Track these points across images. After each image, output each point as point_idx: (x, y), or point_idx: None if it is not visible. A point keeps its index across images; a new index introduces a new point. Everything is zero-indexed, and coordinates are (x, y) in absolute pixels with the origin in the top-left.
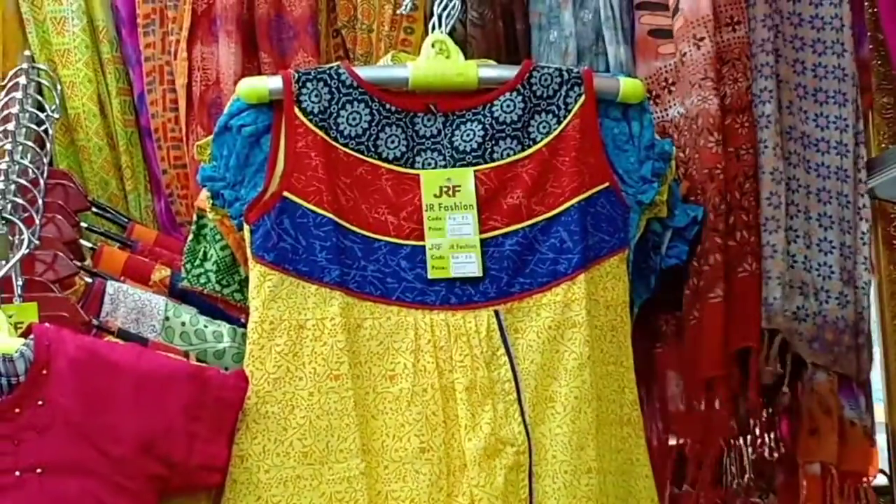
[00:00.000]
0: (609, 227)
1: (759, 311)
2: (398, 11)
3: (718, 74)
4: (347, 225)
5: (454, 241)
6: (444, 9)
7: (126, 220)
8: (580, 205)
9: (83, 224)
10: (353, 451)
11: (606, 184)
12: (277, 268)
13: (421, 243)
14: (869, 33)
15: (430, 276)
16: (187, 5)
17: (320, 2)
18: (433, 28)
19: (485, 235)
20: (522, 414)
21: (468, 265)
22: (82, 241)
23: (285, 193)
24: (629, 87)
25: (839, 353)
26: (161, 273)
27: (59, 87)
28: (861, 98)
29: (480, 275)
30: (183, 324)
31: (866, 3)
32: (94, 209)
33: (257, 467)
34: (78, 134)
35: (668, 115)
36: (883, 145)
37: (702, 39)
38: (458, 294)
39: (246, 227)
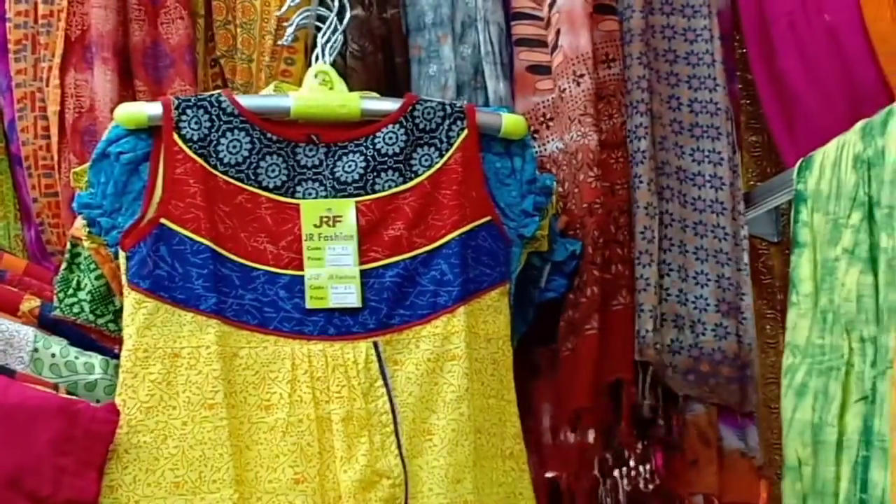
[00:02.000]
0: (490, 261)
1: (633, 344)
2: (279, 42)
3: (597, 110)
4: (225, 253)
5: (333, 271)
6: (328, 41)
7: None
8: (461, 238)
9: None
10: (227, 482)
11: (488, 217)
12: (153, 295)
13: (300, 273)
14: (738, 73)
15: (308, 307)
16: (60, 31)
17: (198, 30)
18: (316, 59)
19: (365, 266)
20: (399, 446)
21: (347, 296)
22: None
23: (162, 220)
24: (511, 122)
25: (717, 385)
26: (30, 304)
27: None
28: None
29: (360, 306)
30: (53, 355)
31: (735, 44)
32: None
33: (127, 498)
34: None
35: (545, 149)
36: (752, 182)
37: (581, 76)
38: (336, 325)
39: (121, 254)
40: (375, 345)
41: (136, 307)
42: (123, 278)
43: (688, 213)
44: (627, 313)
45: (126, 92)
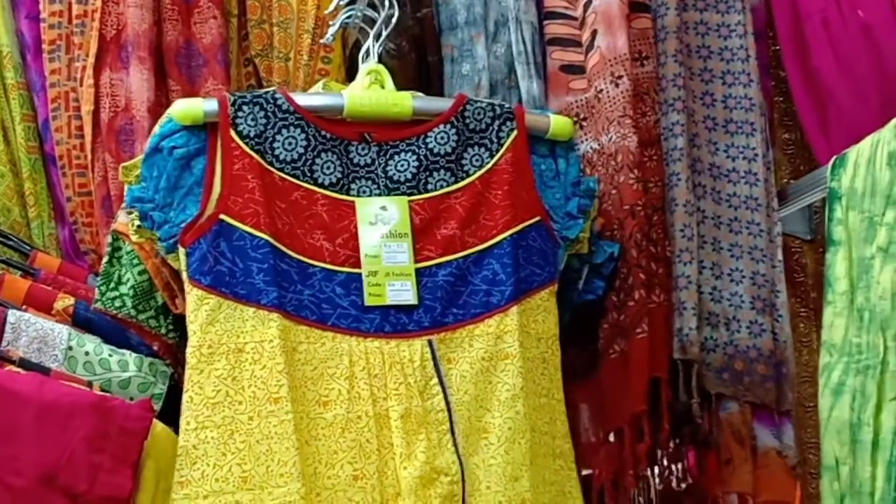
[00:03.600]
0: (540, 261)
1: (669, 343)
2: (320, 41)
3: (636, 111)
4: (284, 249)
5: (390, 268)
6: (376, 39)
7: (29, 247)
8: (513, 238)
9: None
10: (294, 475)
11: (538, 217)
12: (214, 291)
13: (356, 270)
14: (771, 70)
15: (366, 304)
16: (94, 31)
17: (231, 30)
18: (363, 58)
19: (419, 265)
20: (455, 444)
21: (404, 293)
22: None
23: (222, 216)
24: (559, 124)
25: (751, 383)
26: (64, 302)
27: None
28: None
29: (416, 303)
30: (86, 353)
31: (769, 41)
32: None
33: (196, 493)
34: None
35: (579, 150)
36: (785, 180)
37: (620, 77)
38: (392, 322)
39: (181, 251)
40: (430, 343)
41: (198, 303)
42: (184, 275)
43: (722, 209)
44: (662, 312)
45: (160, 91)
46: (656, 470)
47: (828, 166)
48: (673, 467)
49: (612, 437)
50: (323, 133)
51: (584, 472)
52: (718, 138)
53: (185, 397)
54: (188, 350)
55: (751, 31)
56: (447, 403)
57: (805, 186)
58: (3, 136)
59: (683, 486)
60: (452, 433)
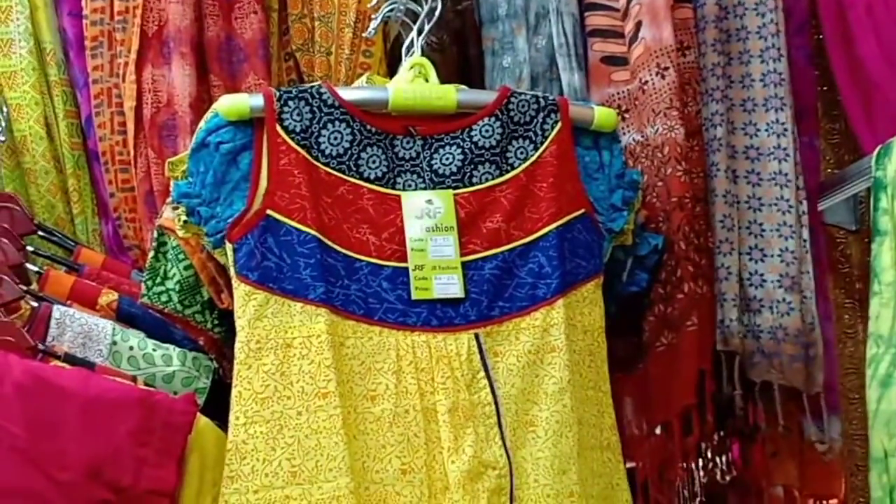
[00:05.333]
0: (586, 253)
1: (713, 334)
2: (362, 35)
3: (680, 102)
4: (330, 243)
5: (436, 262)
6: (419, 32)
7: (73, 243)
8: (558, 230)
9: (29, 248)
10: (343, 470)
11: (583, 210)
12: (262, 286)
13: (403, 264)
14: (815, 60)
15: (413, 297)
16: (136, 28)
17: (272, 24)
18: (406, 51)
19: (465, 258)
20: (503, 437)
21: (451, 286)
22: (28, 265)
23: (269, 211)
24: (603, 116)
25: (781, 364)
26: (108, 297)
27: (5, 109)
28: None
29: (462, 296)
30: (131, 348)
31: (812, 31)
32: (40, 233)
33: (246, 488)
34: (24, 157)
35: (622, 142)
36: (829, 170)
37: (666, 69)
38: (438, 316)
39: (228, 246)
40: (477, 336)
41: (246, 299)
42: (231, 270)
43: (763, 190)
44: (707, 303)
45: (202, 87)
46: (700, 462)
47: (872, 155)
48: (717, 460)
49: (657, 430)
50: (368, 127)
51: (628, 465)
52: (758, 119)
53: (233, 392)
54: (236, 345)
55: (780, 6)
56: (494, 397)
57: (850, 176)
58: (47, 133)
59: (728, 478)
60: (500, 427)
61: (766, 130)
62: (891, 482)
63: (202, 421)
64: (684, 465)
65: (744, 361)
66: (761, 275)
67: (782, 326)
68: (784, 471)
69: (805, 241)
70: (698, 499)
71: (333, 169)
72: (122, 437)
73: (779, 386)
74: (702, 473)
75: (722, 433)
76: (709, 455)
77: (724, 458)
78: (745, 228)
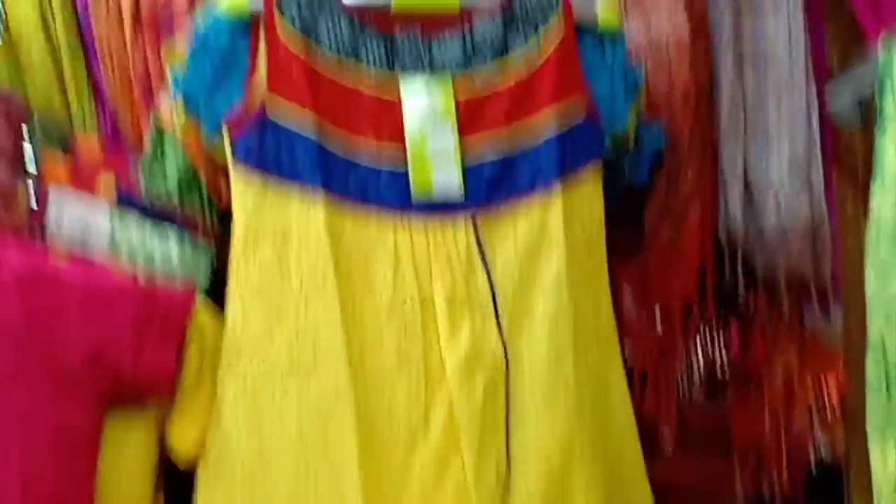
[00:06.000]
0: (586, 146)
1: (715, 226)
2: None
3: None
4: (329, 135)
5: (435, 154)
6: None
7: (70, 129)
8: (559, 122)
9: (26, 136)
10: (340, 361)
11: (584, 104)
12: (260, 179)
13: (402, 156)
14: None
15: (412, 189)
16: None
17: None
18: None
19: (464, 150)
20: (499, 328)
21: (450, 178)
22: (26, 149)
23: (267, 106)
24: (606, 12)
25: (790, 256)
26: (107, 183)
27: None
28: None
29: (461, 188)
30: (129, 238)
31: None
32: (37, 121)
33: (244, 376)
34: (20, 48)
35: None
36: (835, 61)
37: None
38: (437, 207)
39: (226, 140)
40: (475, 227)
41: (243, 191)
42: (229, 163)
43: (769, 81)
44: (710, 196)
45: None
46: (699, 351)
47: (878, 45)
48: (717, 349)
49: (657, 320)
50: (368, 24)
51: (626, 355)
52: (766, 10)
53: (230, 283)
54: (234, 236)
55: None
56: (491, 287)
57: (856, 66)
58: (43, 24)
59: (727, 367)
60: (496, 317)
61: (775, 24)
62: (887, 367)
63: (201, 310)
64: (683, 354)
65: (747, 252)
66: (767, 167)
67: (792, 219)
68: (784, 358)
69: (815, 133)
70: (697, 387)
71: (333, 65)
72: (122, 325)
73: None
74: (701, 362)
75: (722, 322)
76: (708, 344)
77: (723, 347)
78: (751, 121)
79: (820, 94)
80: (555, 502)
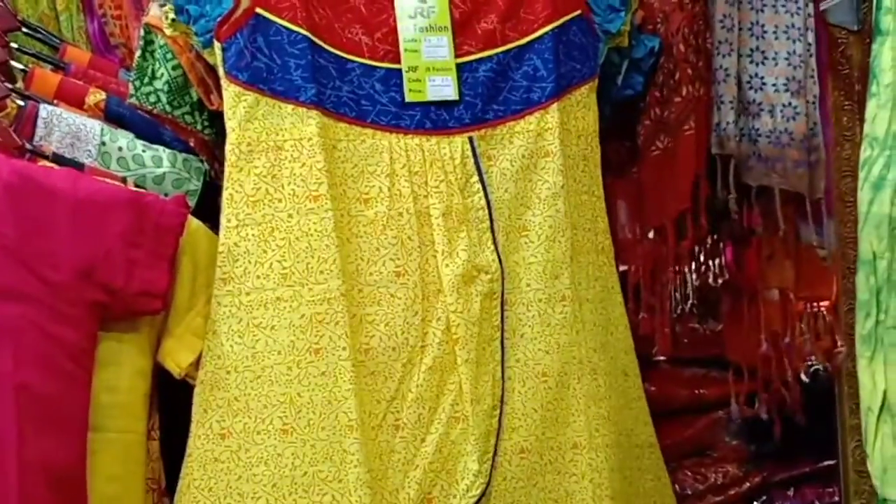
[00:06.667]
0: (581, 56)
1: (709, 138)
2: None
3: None
4: (321, 43)
5: (430, 63)
6: None
7: (58, 41)
8: (554, 32)
9: (13, 45)
10: (334, 273)
11: (579, 11)
12: (252, 88)
13: (396, 66)
14: None
15: (407, 99)
16: None
17: None
18: None
19: (459, 60)
20: (495, 242)
21: (445, 88)
22: (13, 63)
23: (258, 9)
24: None
25: (785, 170)
26: (96, 97)
27: None
28: None
29: (457, 98)
30: (120, 149)
31: None
32: (24, 29)
33: (238, 290)
34: None
35: None
36: None
37: None
38: (432, 119)
39: (217, 46)
40: (471, 140)
41: (236, 100)
42: (220, 70)
43: None
44: (703, 106)
45: None
46: (693, 266)
47: None
48: (710, 263)
49: (651, 234)
50: None
51: (621, 269)
52: None
53: (224, 195)
54: (227, 148)
55: None
56: (487, 201)
57: None
58: None
59: (721, 281)
60: (492, 231)
61: None
62: (878, 283)
63: (194, 223)
64: (677, 268)
65: (740, 165)
66: (761, 77)
67: (787, 131)
68: (779, 273)
69: (810, 44)
70: (690, 301)
71: None
72: (114, 238)
73: (779, 190)
74: (695, 276)
75: (715, 237)
76: (702, 258)
77: (717, 262)
78: (746, 30)
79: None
80: (552, 419)
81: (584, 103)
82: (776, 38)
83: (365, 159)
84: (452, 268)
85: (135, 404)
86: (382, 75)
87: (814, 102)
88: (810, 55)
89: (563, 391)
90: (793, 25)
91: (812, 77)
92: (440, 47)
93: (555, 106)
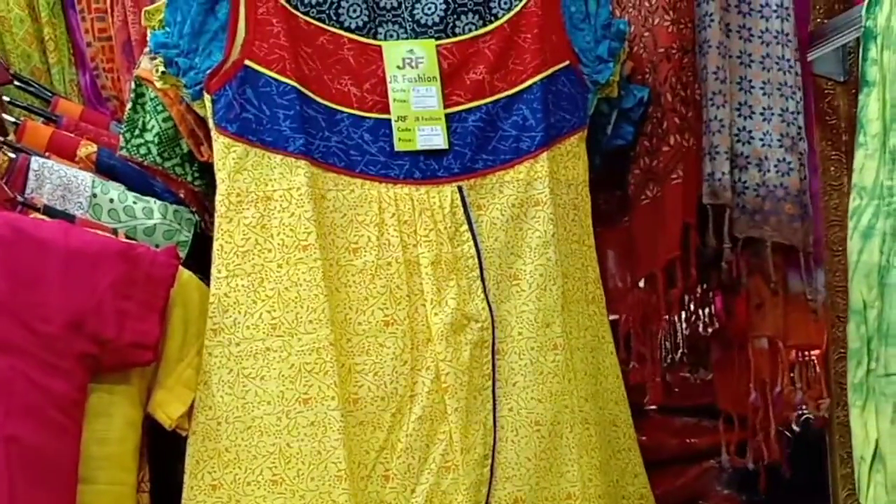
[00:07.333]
0: (570, 106)
1: (699, 187)
2: None
3: None
4: (310, 94)
5: (419, 113)
6: None
7: (50, 94)
8: (542, 82)
9: (5, 98)
10: (323, 322)
11: (567, 62)
12: (241, 139)
13: (385, 116)
14: None
15: (397, 148)
16: None
17: None
18: None
19: (449, 110)
20: (485, 291)
21: (434, 138)
22: (5, 116)
23: (247, 62)
24: None
25: (779, 223)
26: (87, 149)
27: None
28: None
29: (447, 147)
30: (111, 200)
31: None
32: (16, 82)
33: (229, 340)
34: None
35: None
36: (819, 20)
37: None
38: (421, 168)
39: (206, 98)
40: (460, 189)
41: (225, 151)
42: (210, 122)
43: (753, 46)
44: (693, 156)
45: None
46: (683, 315)
47: (863, 4)
48: (700, 312)
49: (641, 283)
50: None
51: (612, 318)
52: None
53: (215, 246)
54: (217, 199)
55: None
56: (477, 250)
57: (840, 25)
58: None
59: (710, 330)
60: (482, 280)
61: None
62: (868, 333)
63: (185, 274)
64: (667, 317)
65: (731, 217)
66: (749, 131)
67: (783, 185)
68: (768, 322)
69: (800, 101)
70: (680, 351)
71: (313, 18)
72: (104, 289)
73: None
74: (685, 326)
75: (705, 286)
76: (692, 308)
77: (707, 311)
78: (735, 84)
79: (803, 55)
80: (546, 469)
81: (573, 153)
82: (764, 94)
83: (354, 209)
84: (442, 316)
85: (125, 456)
86: (371, 125)
87: (804, 155)
88: (799, 112)
89: (556, 440)
90: (785, 83)
91: (802, 130)
92: (429, 97)
93: (544, 155)
